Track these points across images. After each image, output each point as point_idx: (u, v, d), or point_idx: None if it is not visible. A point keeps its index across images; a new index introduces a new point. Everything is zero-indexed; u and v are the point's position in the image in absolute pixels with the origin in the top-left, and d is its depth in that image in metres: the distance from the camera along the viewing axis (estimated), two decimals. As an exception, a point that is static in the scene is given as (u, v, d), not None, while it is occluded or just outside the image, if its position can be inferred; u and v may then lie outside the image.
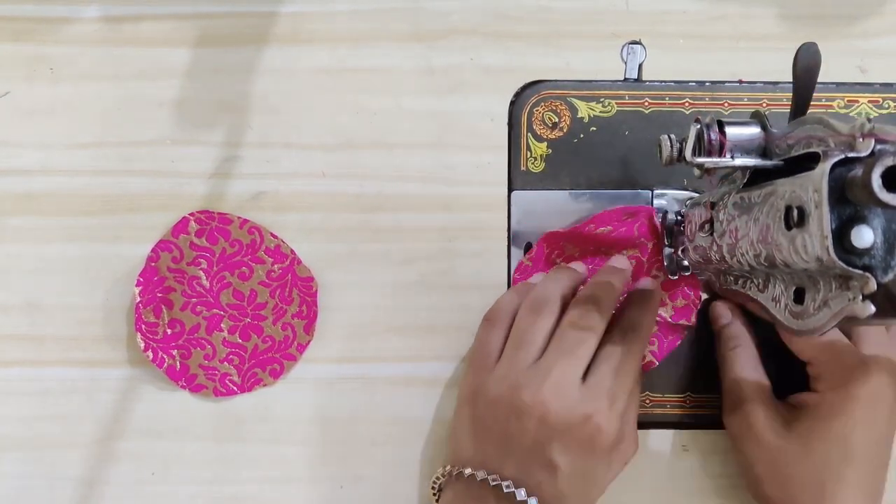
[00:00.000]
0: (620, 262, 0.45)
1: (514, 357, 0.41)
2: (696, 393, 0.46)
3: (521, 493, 0.39)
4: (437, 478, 0.43)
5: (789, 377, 0.43)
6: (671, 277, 0.45)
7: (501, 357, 0.42)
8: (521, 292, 0.44)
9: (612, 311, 0.42)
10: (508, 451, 0.40)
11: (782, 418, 0.41)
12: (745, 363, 0.44)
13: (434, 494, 0.43)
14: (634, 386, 0.42)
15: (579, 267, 0.46)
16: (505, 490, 0.39)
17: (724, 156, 0.36)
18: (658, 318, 0.45)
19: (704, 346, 0.46)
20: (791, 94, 0.36)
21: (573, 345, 0.40)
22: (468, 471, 0.40)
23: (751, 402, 0.42)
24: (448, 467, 0.42)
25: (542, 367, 0.40)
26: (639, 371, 0.42)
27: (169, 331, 0.46)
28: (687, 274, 0.45)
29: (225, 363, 0.46)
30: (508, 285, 0.47)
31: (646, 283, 0.45)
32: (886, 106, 0.47)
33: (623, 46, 0.47)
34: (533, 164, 0.47)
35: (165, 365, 0.46)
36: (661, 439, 0.47)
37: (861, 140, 0.28)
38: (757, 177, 0.36)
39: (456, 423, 0.44)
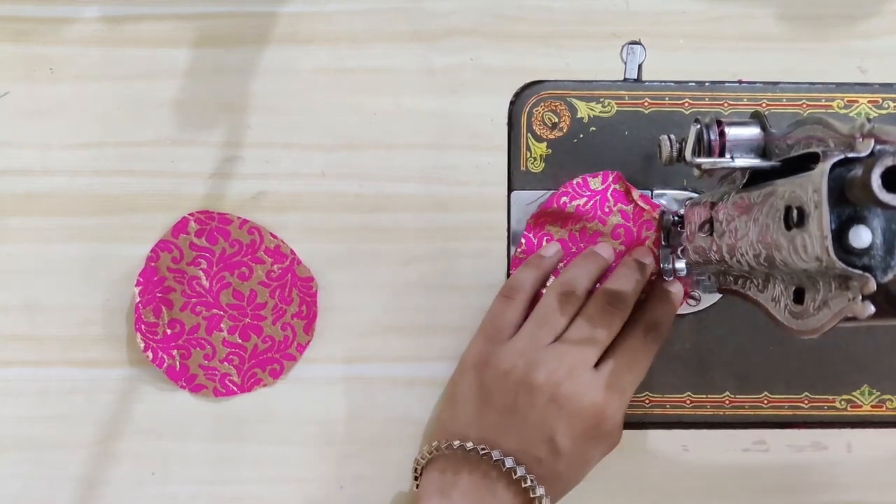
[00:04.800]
0: (605, 249, 0.45)
1: (534, 334, 0.42)
2: (696, 393, 0.46)
3: (520, 470, 0.39)
4: (424, 455, 0.42)
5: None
6: (665, 279, 0.45)
7: (520, 332, 0.43)
8: (536, 265, 0.45)
9: (631, 307, 0.43)
10: (512, 423, 0.40)
11: None
12: None
13: (415, 476, 0.43)
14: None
15: (605, 251, 0.45)
16: (505, 467, 0.39)
17: (724, 156, 0.36)
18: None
19: (705, 346, 0.46)
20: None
21: (591, 334, 0.42)
22: (469, 444, 0.40)
23: None
24: (436, 443, 0.42)
25: (560, 350, 0.41)
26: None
27: (169, 331, 0.46)
28: (683, 275, 0.45)
29: (225, 363, 0.46)
30: (508, 285, 0.47)
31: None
32: (886, 106, 0.47)
33: (623, 46, 0.47)
34: (533, 164, 0.47)
35: (165, 365, 0.46)
36: (661, 439, 0.47)
37: (861, 140, 0.28)
38: (757, 177, 0.36)
39: (454, 391, 0.44)
